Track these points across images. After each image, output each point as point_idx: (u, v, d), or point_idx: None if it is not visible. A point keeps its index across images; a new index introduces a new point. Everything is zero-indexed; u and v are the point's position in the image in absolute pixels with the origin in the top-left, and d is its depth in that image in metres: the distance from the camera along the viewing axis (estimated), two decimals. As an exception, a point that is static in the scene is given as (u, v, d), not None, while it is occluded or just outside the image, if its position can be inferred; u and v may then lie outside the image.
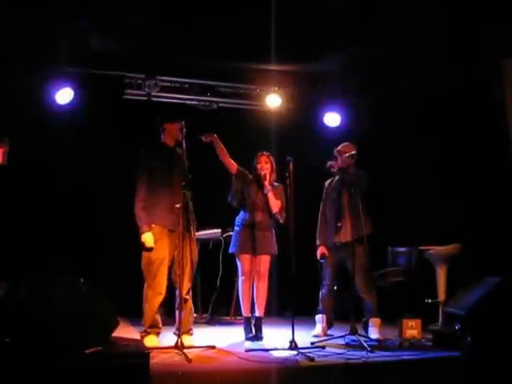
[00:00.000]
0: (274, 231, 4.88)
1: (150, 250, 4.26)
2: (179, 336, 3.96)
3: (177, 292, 4.31)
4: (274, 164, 4.88)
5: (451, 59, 5.35)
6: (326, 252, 4.97)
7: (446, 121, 5.82)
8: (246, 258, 4.75)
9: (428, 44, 5.17)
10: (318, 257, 5.01)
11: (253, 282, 4.79)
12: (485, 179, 5.34)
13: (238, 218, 4.87)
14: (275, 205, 4.78)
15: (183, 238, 4.13)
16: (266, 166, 4.83)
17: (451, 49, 5.19)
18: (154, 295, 4.27)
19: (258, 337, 4.68)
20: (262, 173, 4.80)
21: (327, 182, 5.19)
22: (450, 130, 5.80)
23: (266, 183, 4.79)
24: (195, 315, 4.88)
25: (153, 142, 4.58)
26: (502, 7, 4.52)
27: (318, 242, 5.05)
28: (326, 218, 5.07)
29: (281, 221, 4.81)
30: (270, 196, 4.78)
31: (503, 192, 5.19)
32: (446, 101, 5.77)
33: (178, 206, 4.19)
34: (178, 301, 4.30)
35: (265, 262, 4.78)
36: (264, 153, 4.89)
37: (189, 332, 4.35)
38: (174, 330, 4.34)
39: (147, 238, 4.26)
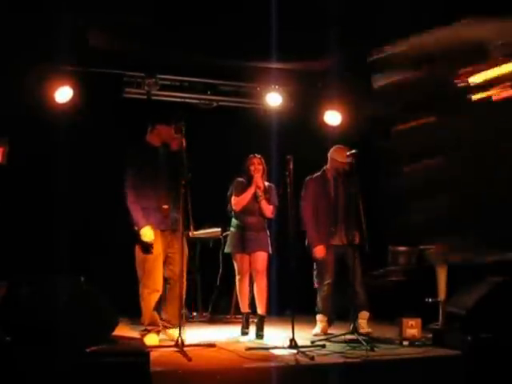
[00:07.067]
0: (267, 231, 4.91)
1: (150, 245, 4.22)
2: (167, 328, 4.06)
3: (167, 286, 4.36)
4: (265, 166, 4.89)
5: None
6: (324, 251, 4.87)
7: (448, 117, 5.80)
8: (241, 257, 4.82)
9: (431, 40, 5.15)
10: (319, 256, 4.86)
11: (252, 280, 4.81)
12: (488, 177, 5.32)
13: (233, 220, 4.95)
14: (267, 210, 4.84)
15: (183, 236, 4.23)
16: (258, 167, 4.84)
17: (456, 46, 5.17)
18: (150, 293, 4.30)
19: (258, 335, 4.69)
20: (256, 175, 4.80)
21: (310, 178, 5.06)
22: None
23: (260, 192, 4.79)
24: (194, 314, 4.90)
25: (138, 142, 4.56)
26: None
27: (314, 243, 4.87)
28: (318, 218, 4.93)
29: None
30: (263, 203, 4.82)
31: (506, 190, 5.17)
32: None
33: (165, 206, 4.29)
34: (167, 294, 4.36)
35: (261, 259, 4.80)
36: (256, 155, 4.89)
37: (175, 326, 4.27)
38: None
39: (147, 233, 4.23)
